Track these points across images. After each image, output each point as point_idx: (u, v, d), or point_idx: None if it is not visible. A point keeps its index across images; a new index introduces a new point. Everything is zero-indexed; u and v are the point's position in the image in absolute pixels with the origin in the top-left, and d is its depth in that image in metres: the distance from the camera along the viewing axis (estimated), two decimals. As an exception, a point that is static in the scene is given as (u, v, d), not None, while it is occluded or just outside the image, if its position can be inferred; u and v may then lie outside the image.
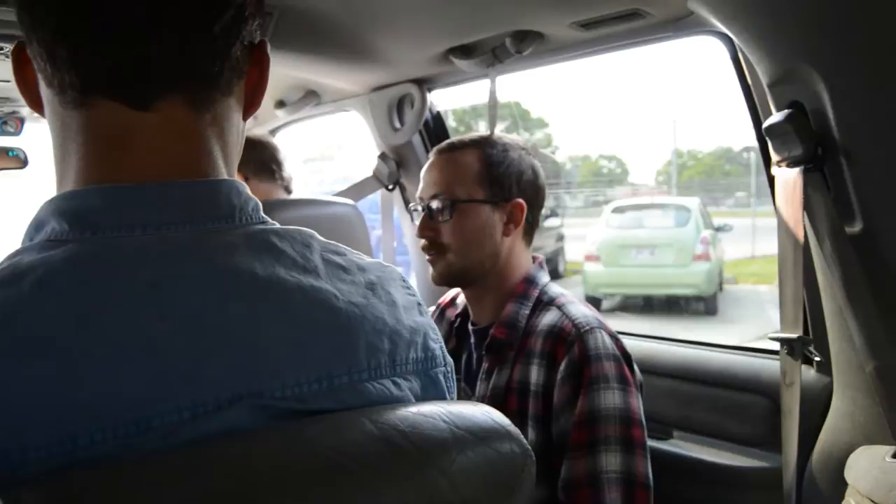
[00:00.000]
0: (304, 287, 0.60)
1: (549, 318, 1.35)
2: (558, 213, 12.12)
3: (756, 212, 12.01)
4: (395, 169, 2.17)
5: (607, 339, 1.29)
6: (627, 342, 1.74)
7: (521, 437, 0.60)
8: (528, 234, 1.49)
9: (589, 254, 9.13)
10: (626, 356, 1.30)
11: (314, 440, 0.53)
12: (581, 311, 1.34)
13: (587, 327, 1.29)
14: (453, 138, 1.50)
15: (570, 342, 1.28)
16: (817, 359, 1.36)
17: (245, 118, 0.70)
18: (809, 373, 1.39)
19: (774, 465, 1.39)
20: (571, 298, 1.40)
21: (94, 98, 0.59)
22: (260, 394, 0.55)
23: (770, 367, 1.47)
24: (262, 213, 0.66)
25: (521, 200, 1.43)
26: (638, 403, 1.27)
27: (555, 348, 1.30)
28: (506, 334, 1.37)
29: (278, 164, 1.99)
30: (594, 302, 8.62)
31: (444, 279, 1.46)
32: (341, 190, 2.24)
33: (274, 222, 0.66)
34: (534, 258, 1.50)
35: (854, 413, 1.17)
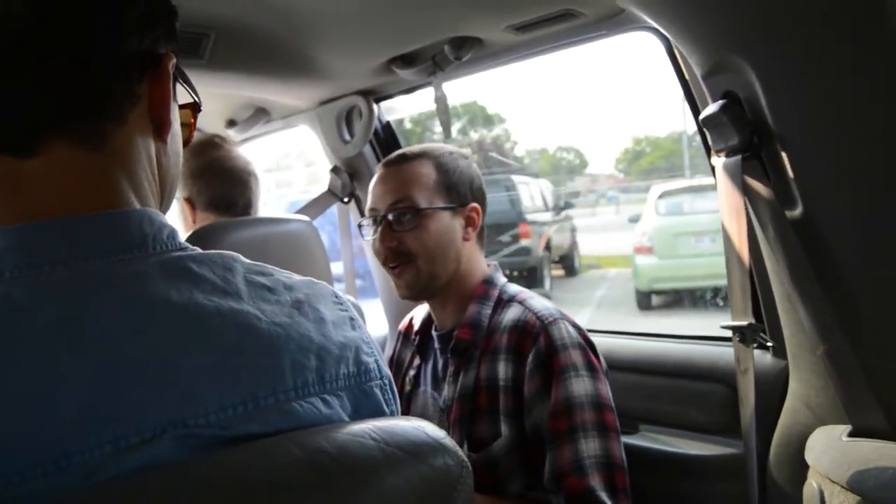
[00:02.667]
0: (224, 310, 0.59)
1: (511, 313, 1.37)
2: (572, 203, 11.78)
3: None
4: (348, 181, 2.16)
5: (571, 329, 1.31)
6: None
7: (457, 448, 0.59)
8: (481, 237, 1.52)
9: (639, 245, 8.20)
10: (590, 344, 1.33)
11: (238, 469, 0.51)
12: (543, 304, 1.37)
13: (550, 318, 1.32)
14: (400, 150, 1.51)
15: (535, 334, 1.30)
16: (771, 344, 1.38)
17: (162, 139, 0.68)
18: (766, 358, 1.40)
19: (739, 452, 1.40)
20: (531, 294, 1.43)
21: None
22: (183, 423, 0.54)
23: (728, 354, 1.48)
24: (179, 241, 0.64)
25: (476, 205, 1.47)
26: (607, 389, 1.30)
27: (521, 342, 1.32)
28: (470, 334, 1.39)
29: (233, 203, 1.69)
30: (647, 298, 8.17)
31: (414, 290, 1.45)
32: (299, 208, 2.22)
33: (194, 248, 0.65)
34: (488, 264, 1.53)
35: (809, 395, 1.18)
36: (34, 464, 0.48)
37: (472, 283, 1.46)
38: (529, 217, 9.38)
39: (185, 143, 0.77)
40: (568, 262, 10.75)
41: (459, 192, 1.45)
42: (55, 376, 0.51)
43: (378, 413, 0.66)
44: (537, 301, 1.39)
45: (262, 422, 0.57)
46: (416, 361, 1.55)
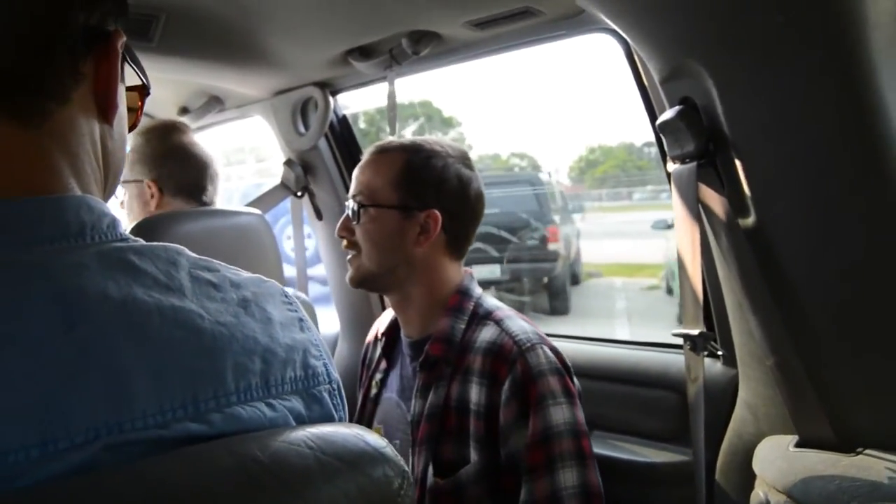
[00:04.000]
0: (164, 308, 0.55)
1: (487, 334, 1.31)
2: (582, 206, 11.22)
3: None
4: (302, 174, 2.11)
5: (549, 354, 1.27)
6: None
7: (398, 458, 0.57)
8: (455, 246, 1.42)
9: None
10: (566, 368, 1.29)
11: (164, 478, 0.48)
12: (520, 325, 1.31)
13: (528, 344, 1.26)
14: (391, 139, 1.46)
15: (511, 360, 1.25)
16: (721, 353, 1.38)
17: (108, 120, 0.65)
18: (716, 366, 1.41)
19: (688, 459, 1.40)
20: (508, 312, 1.37)
21: None
22: (118, 426, 0.50)
23: (679, 361, 1.48)
24: (120, 231, 0.61)
25: (436, 211, 1.37)
26: (581, 414, 1.26)
27: (496, 367, 1.26)
28: (442, 350, 1.34)
29: (202, 188, 1.70)
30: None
31: (356, 281, 1.43)
32: (250, 201, 2.17)
33: (137, 239, 0.61)
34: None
35: (758, 405, 1.19)
36: None
37: (442, 293, 1.40)
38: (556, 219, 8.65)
39: (132, 127, 0.73)
40: (572, 270, 9.89)
41: (419, 194, 1.37)
42: None
43: (327, 418, 0.64)
44: (514, 322, 1.32)
45: (204, 426, 0.54)
46: (383, 365, 1.51)
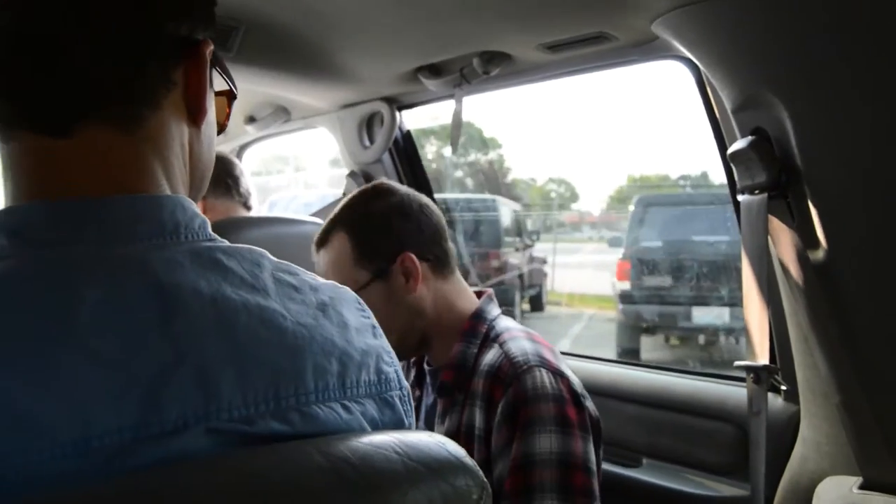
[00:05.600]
0: (251, 306, 0.58)
1: (489, 356, 1.26)
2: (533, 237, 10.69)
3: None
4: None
5: (547, 378, 1.18)
6: (595, 368, 1.73)
7: (478, 470, 0.58)
8: (441, 269, 1.36)
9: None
10: (573, 394, 1.19)
11: (261, 472, 0.50)
12: (521, 346, 1.24)
13: (524, 366, 1.19)
14: (322, 228, 1.40)
15: (506, 383, 1.19)
16: (784, 388, 1.36)
17: (197, 125, 0.67)
18: (777, 401, 1.38)
19: (742, 494, 1.38)
20: (516, 333, 1.29)
21: (15, 132, 0.59)
22: (206, 415, 0.53)
23: (737, 394, 1.46)
24: (209, 231, 0.64)
25: (406, 252, 1.31)
26: (584, 446, 1.16)
27: (493, 389, 1.21)
28: (453, 377, 1.29)
29: (234, 180, 1.92)
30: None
31: (399, 356, 1.38)
32: (315, 211, 2.22)
33: (223, 240, 0.64)
34: (480, 293, 1.41)
35: (821, 443, 1.17)
36: (52, 444, 0.47)
37: (456, 319, 1.34)
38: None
39: (219, 131, 0.76)
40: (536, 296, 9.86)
41: (381, 252, 1.31)
42: (77, 356, 0.50)
43: (399, 424, 0.65)
44: (516, 343, 1.25)
45: (284, 421, 0.56)
46: (417, 393, 1.47)
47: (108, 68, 0.59)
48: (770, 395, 1.37)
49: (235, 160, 2.06)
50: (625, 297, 6.91)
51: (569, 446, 1.14)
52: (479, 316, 1.34)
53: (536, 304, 9.78)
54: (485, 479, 0.58)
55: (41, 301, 0.51)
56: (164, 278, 0.55)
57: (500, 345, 1.26)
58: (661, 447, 1.56)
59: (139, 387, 0.51)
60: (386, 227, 1.33)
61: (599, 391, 1.60)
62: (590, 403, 1.22)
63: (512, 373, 1.19)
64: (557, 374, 1.20)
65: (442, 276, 1.36)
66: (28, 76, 0.58)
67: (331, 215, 1.38)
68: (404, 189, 1.39)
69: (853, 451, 1.03)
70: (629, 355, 6.47)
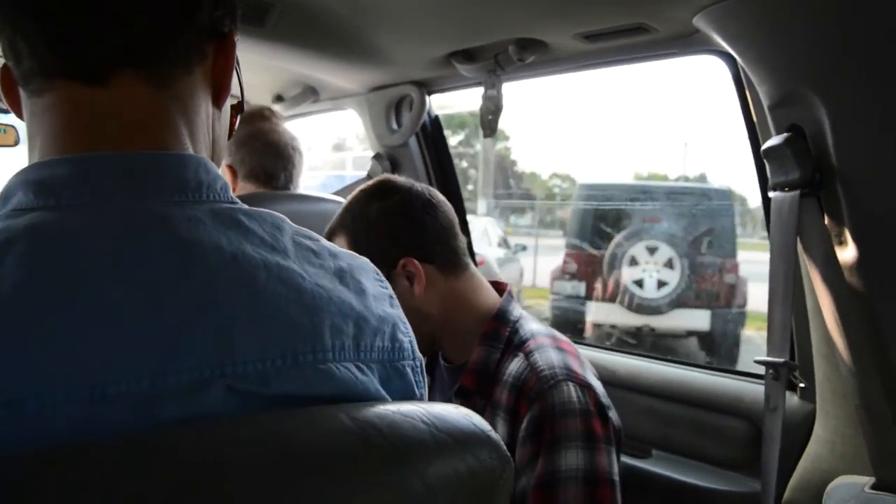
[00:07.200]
0: (270, 264, 0.59)
1: (514, 367, 1.22)
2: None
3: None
4: (389, 170, 2.15)
5: (574, 393, 1.15)
6: (612, 359, 1.73)
7: (501, 444, 0.59)
8: (452, 269, 1.32)
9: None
10: (598, 406, 1.16)
11: (289, 433, 0.51)
12: (548, 359, 1.19)
13: (552, 381, 1.15)
14: (325, 231, 1.36)
15: (532, 399, 1.16)
16: (802, 385, 1.36)
17: (219, 105, 0.70)
18: (793, 399, 1.38)
19: (752, 490, 1.38)
20: (543, 340, 1.24)
21: (52, 82, 0.61)
22: (222, 368, 0.53)
23: (752, 390, 1.46)
24: (231, 194, 0.65)
25: (407, 257, 1.28)
26: (609, 460, 1.15)
27: (518, 403, 1.18)
28: (474, 383, 1.26)
29: (273, 175, 1.73)
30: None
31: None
32: (337, 189, 2.22)
33: (243, 204, 0.65)
34: (501, 287, 1.37)
35: (835, 442, 1.17)
36: (68, 390, 0.48)
37: (473, 318, 1.30)
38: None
39: (228, 134, 0.78)
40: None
41: (382, 258, 1.17)
42: (96, 304, 0.51)
43: (409, 394, 0.66)
44: (544, 355, 1.20)
45: (299, 380, 0.57)
46: (428, 380, 1.46)
47: (149, 24, 0.61)
48: (786, 392, 1.38)
49: (295, 154, 2.04)
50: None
51: (594, 461, 1.13)
52: (500, 317, 1.29)
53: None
54: (508, 455, 0.59)
55: (64, 252, 0.53)
56: (185, 234, 0.57)
57: (526, 355, 1.22)
58: (673, 440, 1.56)
59: (158, 336, 0.52)
60: (385, 232, 1.29)
61: (616, 382, 1.61)
62: (613, 414, 1.20)
63: (538, 388, 1.16)
64: (584, 386, 1.17)
65: (453, 275, 1.32)
66: (72, 24, 0.59)
67: (334, 218, 1.37)
68: (407, 185, 1.34)
69: (869, 452, 1.03)
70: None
